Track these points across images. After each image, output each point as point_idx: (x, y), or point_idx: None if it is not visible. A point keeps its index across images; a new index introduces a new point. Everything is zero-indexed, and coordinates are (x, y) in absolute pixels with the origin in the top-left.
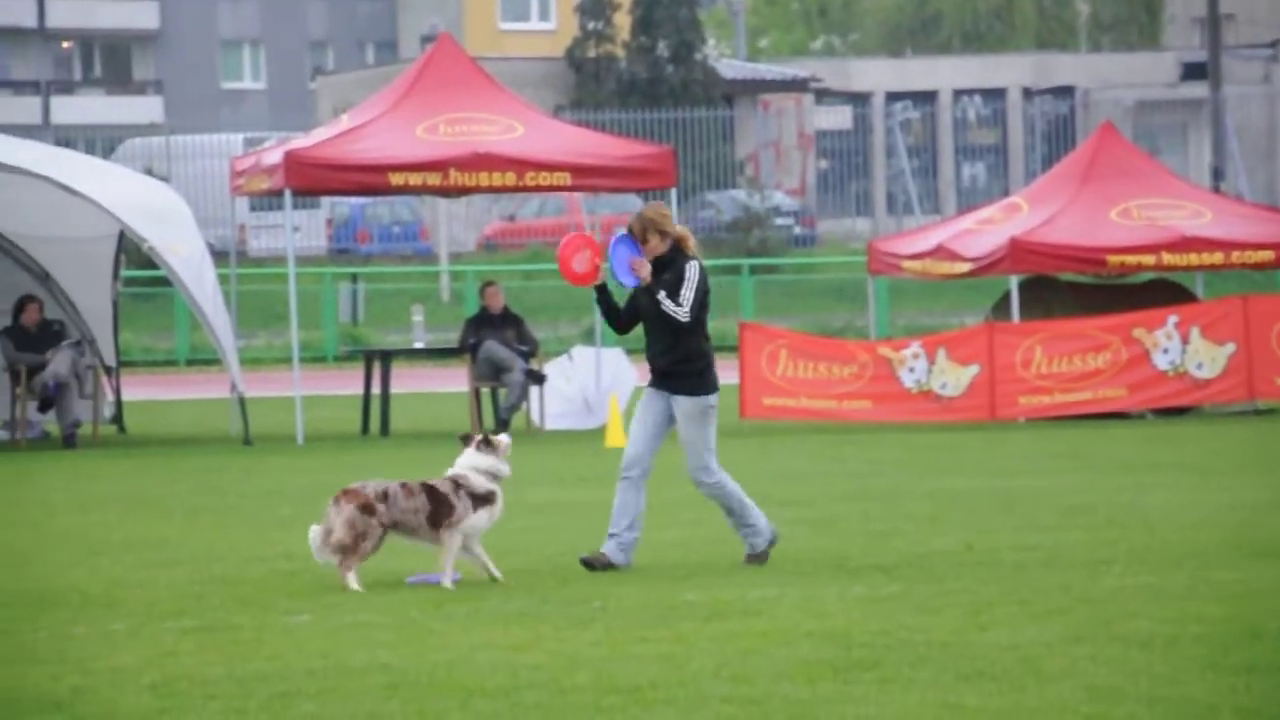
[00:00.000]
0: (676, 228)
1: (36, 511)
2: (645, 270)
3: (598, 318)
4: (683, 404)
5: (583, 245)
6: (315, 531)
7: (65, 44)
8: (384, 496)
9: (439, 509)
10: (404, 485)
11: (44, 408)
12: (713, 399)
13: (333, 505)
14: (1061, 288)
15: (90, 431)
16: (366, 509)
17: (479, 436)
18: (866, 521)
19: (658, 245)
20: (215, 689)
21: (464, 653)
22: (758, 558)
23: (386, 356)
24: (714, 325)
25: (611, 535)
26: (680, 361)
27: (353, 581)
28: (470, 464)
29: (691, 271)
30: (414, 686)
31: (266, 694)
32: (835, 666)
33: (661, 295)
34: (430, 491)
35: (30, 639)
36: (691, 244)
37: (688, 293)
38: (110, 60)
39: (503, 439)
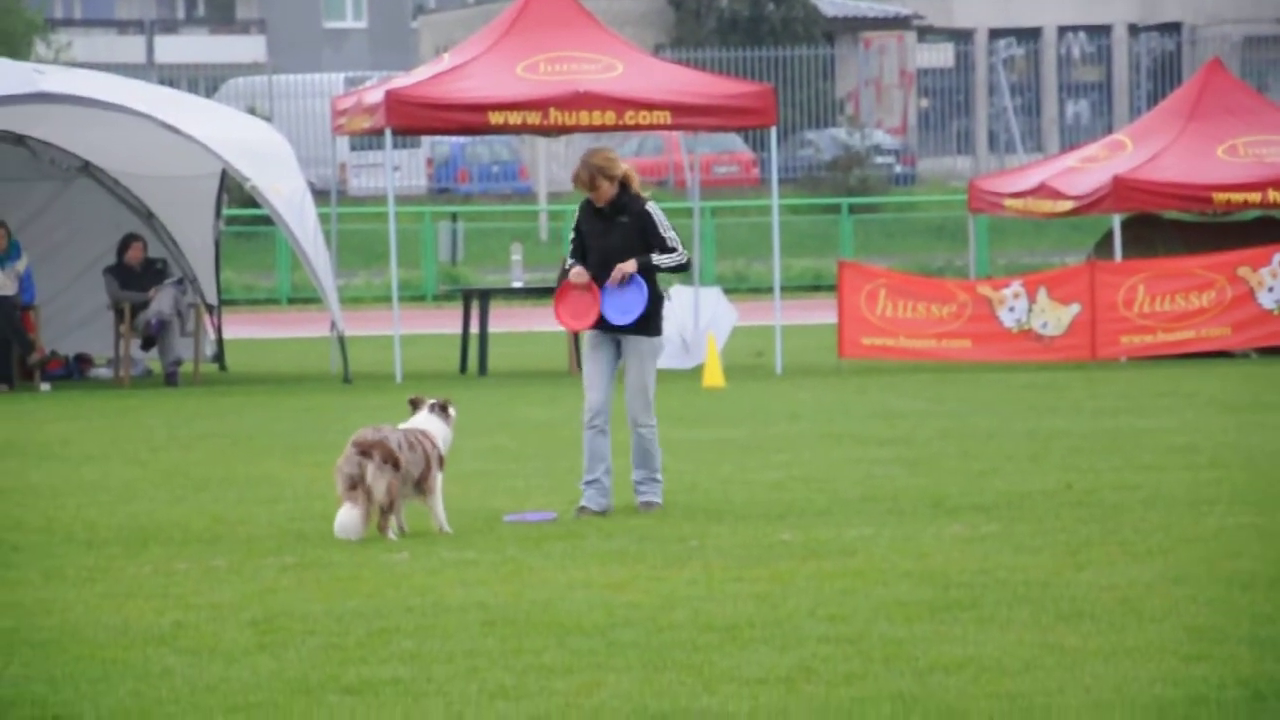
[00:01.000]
0: (622, 166)
1: (139, 448)
2: (629, 268)
3: (695, 256)
4: (640, 344)
5: (575, 304)
6: (350, 517)
7: None
8: (403, 446)
9: (426, 468)
10: (406, 435)
11: (147, 345)
12: (663, 340)
13: (368, 461)
14: (1165, 226)
15: (192, 369)
16: (397, 466)
17: (432, 401)
18: (965, 461)
19: (609, 189)
20: (314, 625)
21: (561, 590)
22: (653, 506)
23: (485, 296)
24: (812, 264)
25: (589, 483)
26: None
27: (394, 532)
28: (428, 427)
29: (657, 212)
30: (511, 624)
31: (364, 630)
32: (932, 606)
33: (656, 259)
34: (422, 448)
35: (134, 574)
36: (636, 181)
37: (670, 233)
38: None
39: (453, 409)
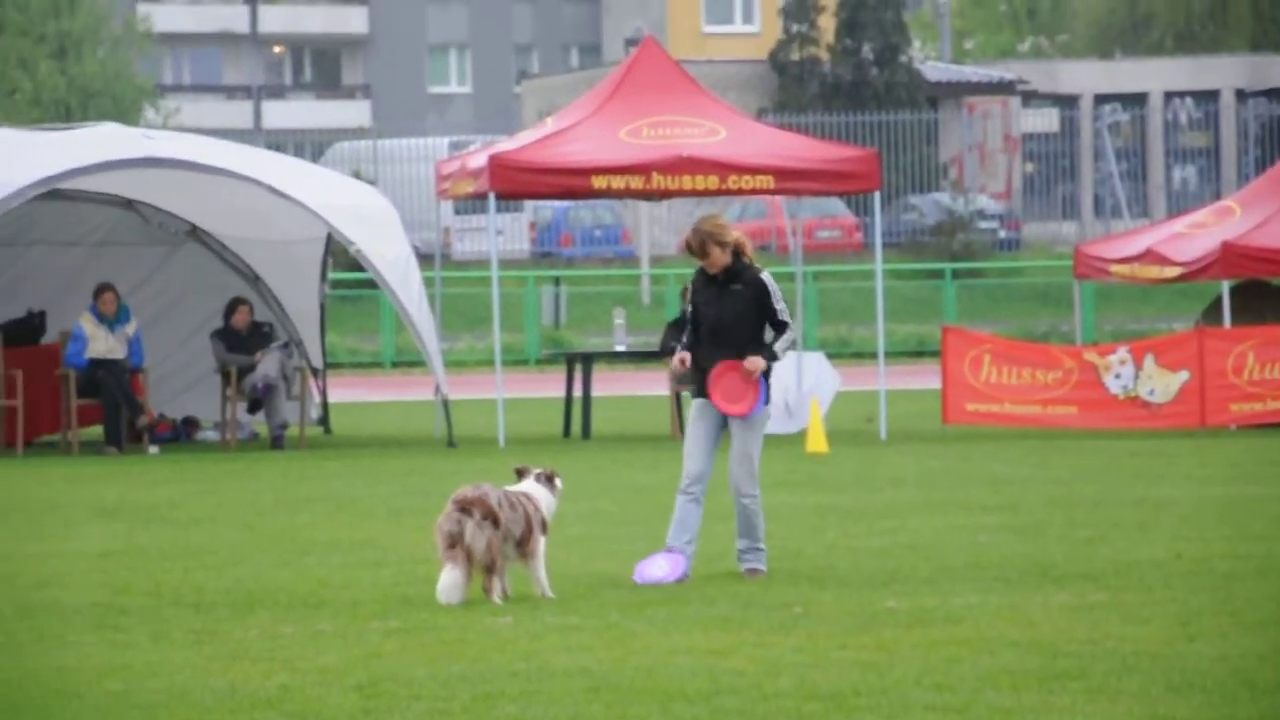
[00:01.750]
0: (732, 233)
1: (245, 512)
2: (756, 369)
3: (798, 321)
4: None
5: (729, 387)
6: (451, 579)
7: (277, 49)
8: (503, 504)
9: (527, 529)
10: (507, 494)
11: (253, 409)
12: (769, 409)
13: (467, 519)
14: (1274, 293)
15: (297, 433)
16: (497, 523)
17: (538, 470)
18: (1072, 528)
19: (720, 256)
20: (419, 689)
21: (665, 656)
22: (758, 573)
23: (588, 359)
24: (915, 329)
25: (670, 550)
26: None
27: (499, 595)
28: (532, 491)
29: (771, 283)
30: (615, 689)
31: (470, 695)
32: (1040, 676)
33: (775, 348)
34: (523, 509)
35: (240, 637)
36: (749, 249)
37: (781, 304)
38: (320, 65)
39: (559, 480)
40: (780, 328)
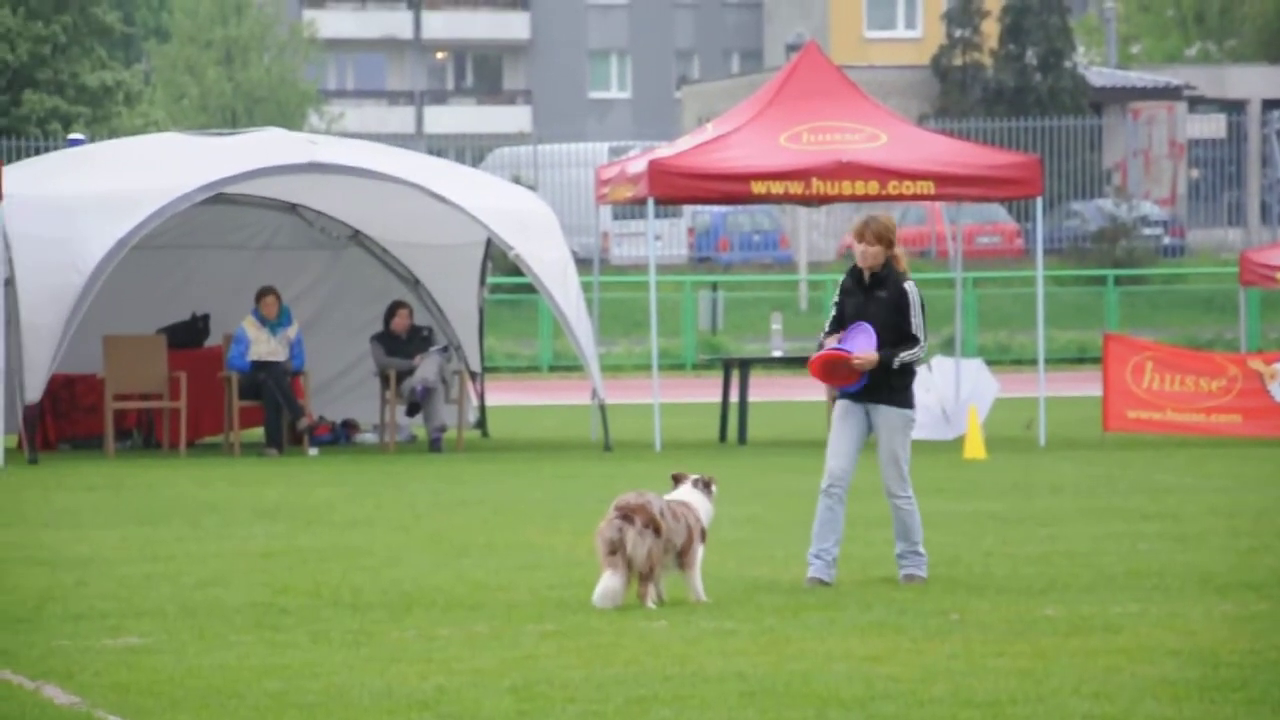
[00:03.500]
0: (895, 237)
1: (404, 514)
2: (869, 362)
3: (957, 327)
4: (890, 416)
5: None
6: (609, 585)
7: (439, 55)
8: (665, 514)
9: (688, 539)
10: (670, 504)
11: (411, 412)
12: (915, 413)
13: (629, 526)
14: None
15: (455, 436)
16: (659, 532)
17: (695, 477)
18: (1234, 538)
19: (879, 254)
20: (574, 692)
21: (820, 662)
22: (916, 579)
23: (745, 365)
24: (1076, 336)
25: (817, 554)
26: (891, 373)
27: (653, 600)
28: (691, 500)
29: (914, 295)
30: (769, 694)
31: (624, 698)
32: (1201, 686)
33: (897, 357)
34: (684, 519)
35: (398, 639)
36: (904, 261)
37: (918, 319)
38: (482, 70)
39: (714, 486)
40: (910, 340)
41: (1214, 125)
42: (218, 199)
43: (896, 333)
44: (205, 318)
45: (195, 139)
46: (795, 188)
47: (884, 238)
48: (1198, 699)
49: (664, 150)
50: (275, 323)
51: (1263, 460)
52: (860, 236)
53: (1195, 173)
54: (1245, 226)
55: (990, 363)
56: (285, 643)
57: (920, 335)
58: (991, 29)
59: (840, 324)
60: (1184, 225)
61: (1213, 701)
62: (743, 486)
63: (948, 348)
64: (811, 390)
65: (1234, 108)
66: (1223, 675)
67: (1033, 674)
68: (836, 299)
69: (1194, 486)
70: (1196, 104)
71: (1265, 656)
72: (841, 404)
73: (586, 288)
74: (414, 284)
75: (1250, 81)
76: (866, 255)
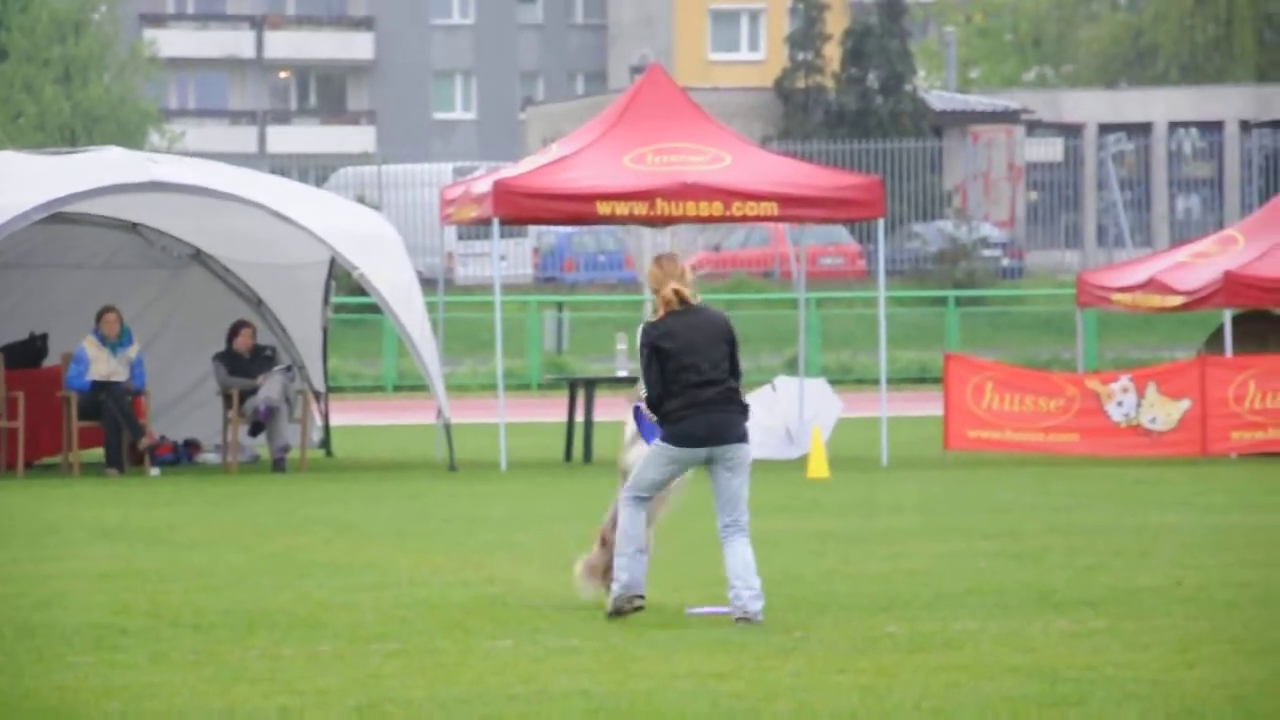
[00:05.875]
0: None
1: (246, 534)
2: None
3: (801, 347)
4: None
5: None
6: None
7: (282, 74)
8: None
9: None
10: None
11: (255, 431)
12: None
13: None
14: (1277, 322)
15: (299, 456)
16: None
17: None
18: (1072, 556)
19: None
20: (418, 711)
21: (665, 680)
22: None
23: (590, 385)
24: (918, 356)
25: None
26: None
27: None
28: None
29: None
30: (614, 713)
31: (469, 717)
32: (1040, 702)
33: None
34: None
35: (240, 658)
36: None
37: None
38: (325, 90)
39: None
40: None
41: (1051, 149)
42: (56, 218)
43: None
44: (44, 337)
45: (33, 157)
46: (640, 208)
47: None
48: (1037, 715)
49: (509, 170)
50: (116, 342)
51: (1100, 479)
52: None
53: (1033, 195)
54: (1082, 249)
55: (833, 382)
56: (125, 663)
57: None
58: (834, 52)
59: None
60: (1023, 247)
61: (1051, 718)
62: (589, 505)
63: (791, 368)
64: None
65: (1071, 131)
66: (1061, 691)
67: (875, 690)
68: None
69: (1033, 505)
70: (1034, 128)
71: (1103, 672)
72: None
73: (431, 308)
74: (257, 303)
75: (1087, 105)
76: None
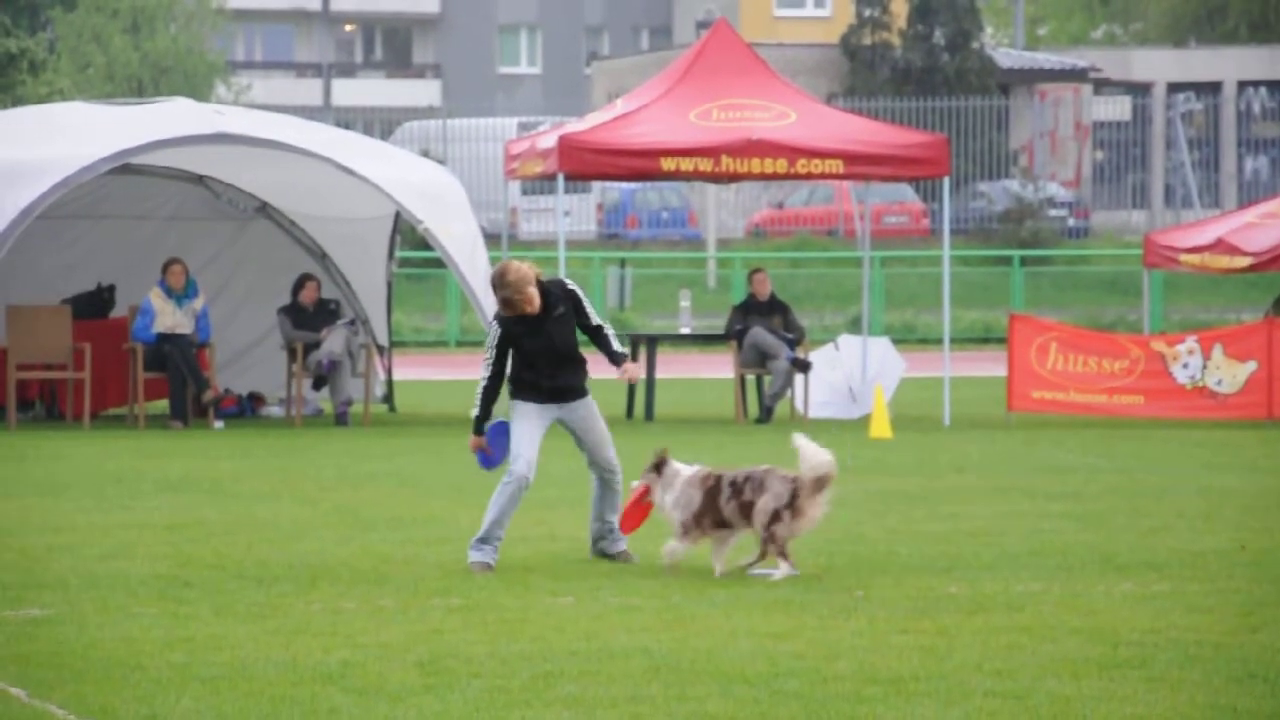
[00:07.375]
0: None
1: (309, 487)
2: (639, 373)
3: (865, 306)
4: (590, 405)
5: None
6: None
7: (348, 27)
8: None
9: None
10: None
11: (318, 385)
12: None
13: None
14: None
15: (362, 410)
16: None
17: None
18: (1135, 518)
19: (534, 293)
20: (479, 667)
21: (725, 639)
22: (622, 555)
23: (653, 341)
24: (982, 316)
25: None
26: (581, 371)
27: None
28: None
29: (579, 289)
30: (675, 670)
31: (529, 674)
32: (1101, 664)
33: (614, 346)
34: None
35: (303, 612)
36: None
37: (592, 308)
38: (391, 44)
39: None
40: (597, 331)
41: (1119, 108)
42: (124, 169)
43: (583, 333)
44: (111, 288)
45: (101, 108)
46: (704, 165)
47: (528, 279)
48: (1098, 677)
49: (574, 126)
50: (181, 294)
51: (1163, 441)
52: (520, 293)
53: (1100, 155)
54: (1149, 209)
55: (897, 342)
56: (189, 615)
57: (603, 319)
58: (900, 9)
59: (525, 364)
60: (1089, 207)
61: (1112, 679)
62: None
63: (855, 326)
64: (719, 367)
65: (1139, 90)
66: (1122, 654)
67: (935, 651)
68: (493, 350)
69: (1096, 467)
70: (1102, 86)
71: (1165, 635)
72: (532, 408)
73: (495, 262)
74: (321, 257)
75: (1155, 64)
76: (531, 300)
